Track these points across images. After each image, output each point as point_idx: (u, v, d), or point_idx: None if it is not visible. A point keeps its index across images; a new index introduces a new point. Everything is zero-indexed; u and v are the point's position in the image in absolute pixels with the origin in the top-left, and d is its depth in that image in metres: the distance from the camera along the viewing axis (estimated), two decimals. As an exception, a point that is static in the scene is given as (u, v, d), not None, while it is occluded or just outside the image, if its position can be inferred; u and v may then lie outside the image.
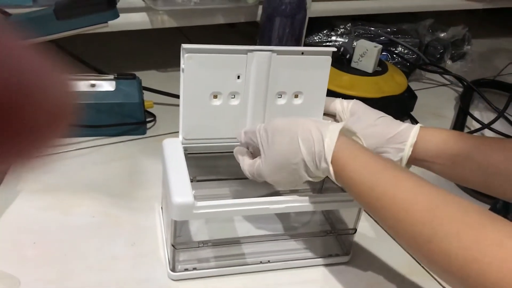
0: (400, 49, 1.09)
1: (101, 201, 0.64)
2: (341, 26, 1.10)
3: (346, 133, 0.50)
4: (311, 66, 0.57)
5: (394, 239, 0.44)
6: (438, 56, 1.14)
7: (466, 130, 0.93)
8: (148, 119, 0.80)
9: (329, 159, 0.46)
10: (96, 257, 0.56)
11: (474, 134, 0.90)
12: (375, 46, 0.87)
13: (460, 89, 1.08)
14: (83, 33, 0.67)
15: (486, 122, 0.91)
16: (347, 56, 0.91)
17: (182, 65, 0.53)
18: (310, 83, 0.58)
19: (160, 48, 1.06)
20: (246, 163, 0.54)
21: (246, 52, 0.54)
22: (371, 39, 1.03)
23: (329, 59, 0.57)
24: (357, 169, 0.46)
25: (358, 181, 0.46)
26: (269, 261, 0.58)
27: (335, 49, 0.57)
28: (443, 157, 0.54)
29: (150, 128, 0.81)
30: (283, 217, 0.65)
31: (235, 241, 0.59)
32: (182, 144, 0.57)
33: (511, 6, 1.25)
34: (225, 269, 0.56)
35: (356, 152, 0.47)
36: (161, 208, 0.64)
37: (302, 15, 0.88)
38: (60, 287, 0.53)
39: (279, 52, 0.55)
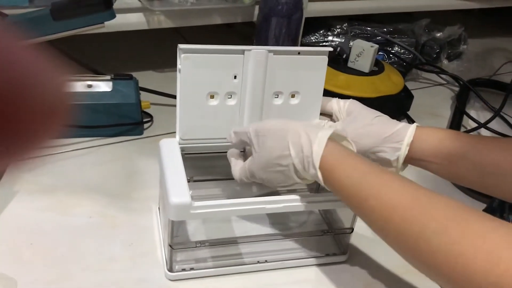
0: (397, 49, 1.10)
1: (98, 201, 0.64)
2: (338, 26, 1.11)
3: (337, 138, 0.50)
4: (308, 66, 0.57)
5: (383, 240, 0.45)
6: (435, 55, 1.15)
7: (462, 129, 0.93)
8: (145, 120, 0.80)
9: (317, 165, 0.47)
10: (94, 258, 0.56)
11: (471, 133, 0.90)
12: (371, 46, 0.87)
13: (457, 89, 1.08)
14: (80, 33, 0.66)
15: (482, 121, 0.92)
16: (344, 56, 0.91)
17: (178, 65, 0.53)
18: (306, 83, 0.58)
19: (156, 49, 1.06)
20: (238, 166, 0.55)
21: (242, 52, 0.54)
22: (367, 39, 1.03)
23: (325, 59, 0.58)
24: (344, 173, 0.47)
25: (345, 184, 0.46)
26: (266, 261, 0.58)
27: (331, 49, 0.58)
28: (439, 156, 0.54)
29: (147, 128, 0.81)
30: (280, 217, 0.65)
31: (233, 241, 0.60)
32: (179, 144, 0.57)
33: (507, 6, 1.26)
34: (223, 269, 0.56)
35: (343, 157, 0.48)
36: (159, 208, 0.64)
37: (299, 15, 0.88)
38: None
39: (275, 52, 0.55)
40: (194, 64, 0.53)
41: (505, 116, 0.97)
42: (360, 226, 0.65)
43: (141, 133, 0.79)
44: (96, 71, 0.80)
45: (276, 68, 0.56)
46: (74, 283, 0.53)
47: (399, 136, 0.55)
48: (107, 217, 0.62)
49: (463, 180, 0.57)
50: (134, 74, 0.80)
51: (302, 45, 1.02)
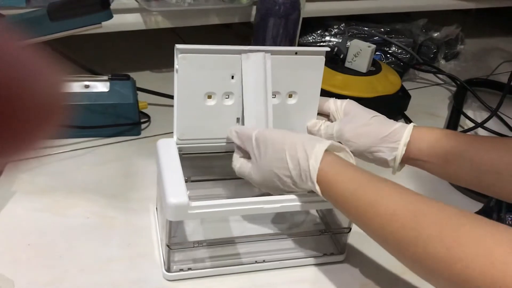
0: (394, 49, 1.10)
1: (96, 202, 0.64)
2: (335, 26, 1.11)
3: (335, 149, 0.51)
4: (305, 66, 0.57)
5: (384, 249, 0.45)
6: (432, 55, 1.15)
7: (459, 129, 0.93)
8: (142, 120, 0.80)
9: (314, 179, 0.48)
10: (91, 258, 0.56)
11: (468, 133, 0.90)
12: (368, 46, 0.87)
13: (454, 89, 1.08)
14: (77, 34, 0.66)
15: (479, 121, 0.92)
16: (341, 56, 0.91)
17: (176, 66, 0.53)
18: (304, 83, 0.58)
19: (154, 49, 1.06)
20: (239, 161, 0.55)
21: (240, 52, 0.55)
22: (364, 39, 1.03)
23: (322, 59, 0.58)
24: (341, 185, 0.47)
25: (343, 196, 0.47)
26: (264, 261, 0.58)
27: (328, 49, 0.58)
28: (436, 156, 0.54)
29: (144, 128, 0.81)
30: (277, 216, 0.65)
31: (230, 241, 0.60)
32: (177, 144, 0.57)
33: (503, 6, 1.26)
34: (220, 269, 0.56)
35: (340, 169, 0.48)
36: (156, 208, 0.64)
37: (296, 15, 0.88)
38: (55, 288, 0.53)
39: (273, 52, 0.56)
40: (191, 64, 0.53)
41: (502, 115, 0.97)
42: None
43: (139, 134, 0.79)
44: (94, 72, 0.80)
45: (274, 68, 0.56)
46: (72, 284, 0.53)
47: (396, 136, 0.55)
48: (105, 217, 0.62)
49: (460, 179, 0.57)
50: (132, 74, 0.80)
51: (299, 45, 1.02)
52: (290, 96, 0.59)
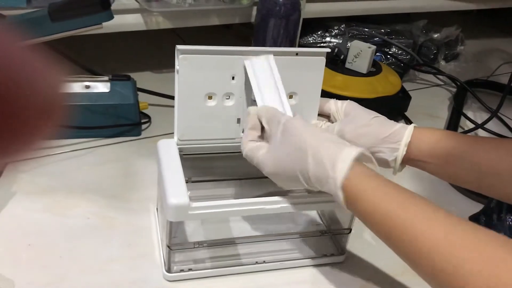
0: (394, 49, 1.10)
1: (96, 202, 0.64)
2: (335, 27, 1.11)
3: (364, 159, 0.48)
4: (306, 67, 0.57)
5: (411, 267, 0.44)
6: (432, 56, 1.15)
7: (459, 130, 0.93)
8: (143, 120, 0.80)
9: (339, 185, 0.45)
10: (92, 259, 0.56)
11: (468, 134, 0.90)
12: (369, 47, 0.88)
13: (454, 90, 1.08)
14: (78, 34, 0.66)
15: (479, 122, 0.92)
16: (341, 57, 0.91)
17: (176, 66, 0.53)
18: (304, 84, 0.58)
19: (154, 49, 1.06)
20: (249, 144, 0.52)
21: (240, 53, 0.55)
22: (365, 40, 1.03)
23: (323, 59, 0.58)
24: (371, 200, 0.44)
25: (373, 215, 0.44)
26: (264, 262, 0.58)
27: (329, 50, 0.58)
28: (436, 157, 0.54)
29: (145, 129, 0.81)
30: (278, 217, 0.65)
31: (231, 242, 0.60)
32: (177, 145, 0.57)
33: (504, 7, 1.26)
34: (221, 270, 0.56)
35: (370, 183, 0.45)
36: (157, 209, 0.64)
37: (296, 16, 0.89)
38: (56, 288, 0.53)
39: (274, 53, 0.56)
40: (192, 65, 0.53)
41: (502, 117, 0.97)
42: (358, 227, 0.66)
43: (139, 134, 0.79)
44: (94, 72, 0.80)
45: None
46: (72, 284, 0.53)
47: (397, 136, 0.55)
48: (105, 218, 0.62)
49: (460, 180, 0.57)
50: (132, 75, 0.80)
51: (300, 46, 1.02)
52: (291, 97, 0.59)
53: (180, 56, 0.52)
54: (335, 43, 1.08)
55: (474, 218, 0.65)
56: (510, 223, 0.61)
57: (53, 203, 0.63)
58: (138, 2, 0.85)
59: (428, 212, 0.42)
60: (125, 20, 0.85)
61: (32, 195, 0.64)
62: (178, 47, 0.52)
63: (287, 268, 0.59)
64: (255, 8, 0.92)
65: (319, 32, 1.10)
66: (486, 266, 0.37)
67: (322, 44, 1.10)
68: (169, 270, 0.55)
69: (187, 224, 0.61)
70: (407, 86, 1.01)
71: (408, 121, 0.92)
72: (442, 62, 1.17)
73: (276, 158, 0.49)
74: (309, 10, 0.99)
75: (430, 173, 0.56)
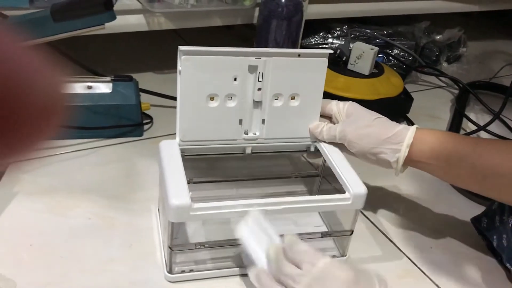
0: (396, 51, 1.10)
1: (98, 203, 0.64)
2: (338, 29, 1.11)
3: None
4: (308, 68, 0.57)
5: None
6: (434, 58, 1.15)
7: (462, 132, 0.93)
8: (145, 121, 0.80)
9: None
10: (93, 259, 0.56)
11: (470, 136, 0.90)
12: (371, 49, 0.87)
13: (456, 91, 1.08)
14: (80, 35, 0.67)
15: (481, 124, 0.92)
16: (344, 58, 0.91)
17: (179, 67, 0.53)
18: (306, 85, 0.58)
19: (156, 50, 1.06)
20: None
21: (243, 54, 0.55)
22: (367, 41, 1.03)
23: (325, 61, 0.58)
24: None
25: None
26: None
27: (331, 51, 0.58)
28: (438, 158, 0.54)
29: (147, 130, 0.81)
30: (280, 218, 0.65)
31: (232, 243, 0.59)
32: (179, 146, 0.57)
33: (506, 8, 1.26)
34: (222, 271, 0.56)
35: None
36: (158, 210, 0.64)
37: (299, 17, 0.88)
38: (57, 289, 0.53)
39: (276, 55, 0.56)
40: (194, 66, 0.53)
41: (504, 119, 0.97)
42: (360, 228, 0.66)
43: (141, 135, 0.79)
44: (96, 73, 0.81)
45: (276, 70, 0.56)
46: (73, 285, 0.53)
47: (399, 137, 0.55)
48: (107, 218, 0.62)
49: (462, 182, 0.57)
50: (134, 75, 0.80)
51: (302, 47, 1.02)
52: (293, 98, 0.59)
53: (183, 57, 0.52)
54: (337, 45, 1.08)
55: (476, 220, 0.65)
56: (512, 225, 0.61)
57: (54, 203, 0.63)
58: (140, 3, 0.85)
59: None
60: (128, 20, 0.85)
61: (34, 195, 0.64)
62: (181, 48, 0.52)
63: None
64: (257, 9, 0.92)
65: (321, 34, 1.10)
66: None
67: (324, 46, 1.10)
68: (170, 271, 0.55)
69: (189, 225, 0.61)
70: (409, 87, 1.01)
71: (410, 123, 0.92)
72: (444, 64, 1.16)
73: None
74: (311, 12, 0.99)
75: (432, 174, 0.56)
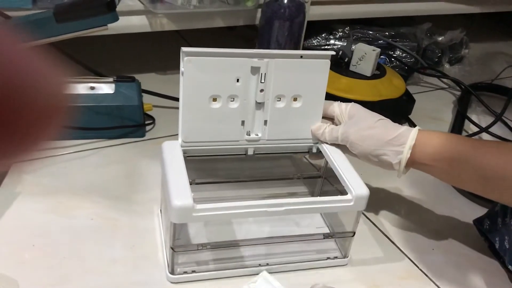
0: (398, 52, 1.10)
1: (100, 203, 0.64)
2: (340, 30, 1.11)
3: None
4: (310, 69, 0.57)
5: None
6: (436, 59, 1.15)
7: (464, 133, 0.93)
8: (147, 122, 0.80)
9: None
10: (95, 260, 0.56)
11: (472, 137, 0.90)
12: (373, 50, 0.87)
13: (458, 93, 1.08)
14: (83, 35, 0.67)
15: (483, 125, 0.92)
16: (346, 60, 0.91)
17: (181, 68, 0.53)
18: (309, 86, 0.58)
19: (159, 51, 1.06)
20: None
21: (245, 55, 0.55)
22: (369, 42, 1.03)
23: (328, 62, 0.58)
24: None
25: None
26: (267, 264, 0.58)
27: (334, 53, 0.58)
28: (441, 160, 0.54)
29: (149, 130, 0.81)
30: (282, 220, 0.65)
31: (234, 244, 0.60)
32: (182, 147, 0.57)
33: (508, 10, 1.26)
34: (224, 272, 0.56)
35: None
36: (160, 210, 0.64)
37: (301, 19, 0.89)
38: (59, 289, 0.53)
39: (278, 56, 0.56)
40: (197, 67, 0.53)
41: (506, 120, 0.97)
42: (362, 230, 0.66)
43: (143, 135, 0.79)
44: (99, 73, 0.81)
45: (279, 71, 0.56)
46: (76, 285, 0.53)
47: (402, 139, 0.55)
48: (109, 219, 0.62)
49: (465, 184, 0.57)
50: (137, 76, 0.80)
51: (304, 48, 1.02)
52: (295, 99, 0.59)
53: (185, 58, 0.53)
54: (339, 46, 1.08)
55: (478, 222, 0.65)
56: (515, 227, 0.61)
57: (57, 204, 0.63)
58: (143, 3, 0.85)
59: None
60: (130, 21, 0.85)
61: (36, 196, 0.64)
62: (183, 49, 0.52)
63: (290, 271, 0.59)
64: (259, 10, 0.92)
65: (323, 35, 1.10)
66: None
67: (326, 47, 1.10)
68: (172, 272, 0.55)
69: (191, 225, 0.61)
70: (411, 89, 1.01)
71: (412, 124, 0.92)
72: (447, 65, 1.16)
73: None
74: (314, 13, 0.99)
75: (435, 176, 0.56)
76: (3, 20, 0.65)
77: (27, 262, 0.55)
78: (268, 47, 0.89)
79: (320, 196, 0.68)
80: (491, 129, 0.91)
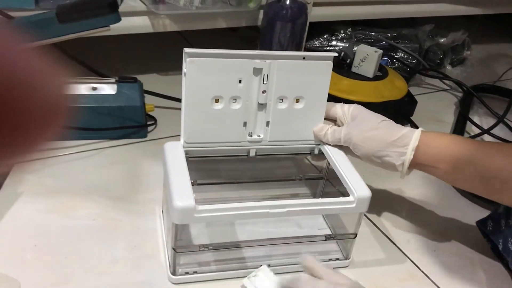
0: (400, 54, 1.10)
1: (101, 204, 0.64)
2: (342, 31, 1.11)
3: None
4: (313, 71, 0.57)
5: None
6: (438, 61, 1.15)
7: (465, 135, 0.93)
8: (149, 123, 0.80)
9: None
10: (97, 260, 0.56)
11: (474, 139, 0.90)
12: (375, 51, 0.87)
13: (460, 94, 1.08)
14: (85, 36, 0.67)
15: (485, 127, 0.92)
16: (348, 61, 0.91)
17: (184, 69, 0.53)
18: (311, 87, 0.58)
19: (161, 52, 1.06)
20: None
21: (248, 57, 0.55)
22: (371, 44, 1.03)
23: (330, 64, 0.58)
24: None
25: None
26: (269, 265, 0.58)
27: (336, 54, 0.58)
28: (443, 161, 0.54)
29: (151, 131, 0.81)
30: (283, 221, 0.65)
31: (236, 245, 0.59)
32: (183, 147, 0.57)
33: (510, 11, 1.26)
34: (226, 273, 0.56)
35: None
36: (162, 211, 0.64)
37: (303, 20, 0.89)
38: (61, 290, 0.53)
39: (281, 57, 0.56)
40: (199, 68, 0.53)
41: (508, 122, 0.97)
42: (364, 232, 0.65)
43: (145, 136, 0.79)
44: (101, 74, 0.81)
45: (281, 72, 0.56)
46: (77, 285, 0.53)
47: (405, 140, 0.55)
48: (110, 219, 0.62)
49: (467, 185, 0.57)
50: (139, 77, 0.80)
51: (306, 49, 1.02)
52: (297, 100, 0.59)
53: (188, 59, 0.53)
54: (341, 47, 1.08)
55: (482, 223, 0.65)
56: (517, 229, 0.61)
57: (58, 204, 0.63)
58: (145, 4, 0.85)
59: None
60: (132, 22, 0.85)
61: (38, 196, 0.64)
62: (186, 50, 0.52)
63: (292, 272, 0.58)
64: (261, 11, 0.92)
65: (325, 36, 1.10)
66: None
67: (328, 48, 1.10)
68: (174, 273, 0.55)
69: (192, 226, 0.61)
70: (413, 90, 1.00)
71: (414, 126, 0.92)
72: (448, 67, 1.16)
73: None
74: (316, 14, 0.99)
75: (437, 177, 0.56)
76: (6, 21, 0.65)
77: (29, 262, 0.55)
78: (270, 48, 0.89)
79: (322, 197, 0.68)
80: (493, 131, 0.91)
